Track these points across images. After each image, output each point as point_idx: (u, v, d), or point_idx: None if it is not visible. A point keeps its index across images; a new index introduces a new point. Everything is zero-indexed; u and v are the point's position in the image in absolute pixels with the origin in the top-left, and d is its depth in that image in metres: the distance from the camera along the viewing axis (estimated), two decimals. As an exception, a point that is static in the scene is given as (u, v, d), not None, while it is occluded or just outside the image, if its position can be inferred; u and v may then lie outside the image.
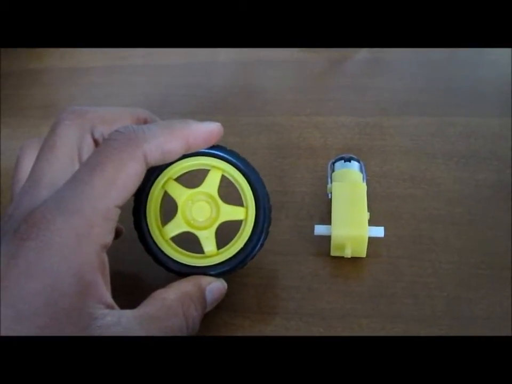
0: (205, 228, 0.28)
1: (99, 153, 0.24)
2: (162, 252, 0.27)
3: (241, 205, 0.28)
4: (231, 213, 0.28)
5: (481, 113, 0.39)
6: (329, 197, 0.33)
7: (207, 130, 0.27)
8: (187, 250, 0.28)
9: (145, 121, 0.29)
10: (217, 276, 0.28)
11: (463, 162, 0.36)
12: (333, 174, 0.34)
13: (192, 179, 0.29)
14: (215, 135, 0.27)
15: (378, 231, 0.30)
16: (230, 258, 0.27)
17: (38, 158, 0.25)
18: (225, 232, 0.28)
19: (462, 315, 0.28)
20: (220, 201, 0.28)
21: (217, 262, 0.27)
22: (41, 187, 0.24)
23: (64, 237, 0.22)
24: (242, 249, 0.27)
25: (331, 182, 0.33)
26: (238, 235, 0.28)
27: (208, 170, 0.28)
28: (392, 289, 0.30)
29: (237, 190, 0.28)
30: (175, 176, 0.28)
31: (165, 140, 0.25)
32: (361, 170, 0.34)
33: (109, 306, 0.23)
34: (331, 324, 0.29)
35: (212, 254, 0.28)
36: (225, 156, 0.28)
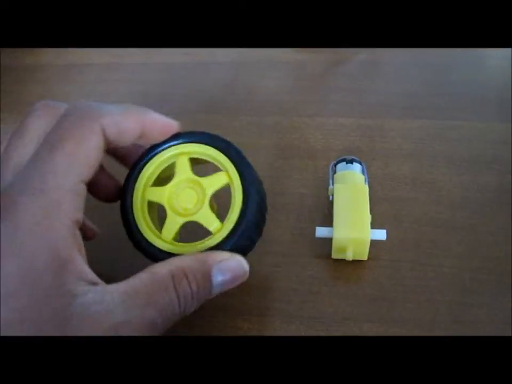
0: (199, 211, 0.27)
1: (58, 129, 0.24)
2: (171, 254, 0.26)
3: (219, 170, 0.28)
4: (214, 181, 0.27)
5: (483, 117, 0.39)
6: (331, 198, 0.32)
7: (164, 122, 0.27)
8: (194, 241, 0.27)
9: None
10: (235, 247, 0.26)
11: (465, 166, 0.36)
12: (335, 175, 0.33)
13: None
14: (170, 130, 0.27)
15: (381, 234, 0.30)
16: (238, 222, 0.26)
17: (7, 145, 0.25)
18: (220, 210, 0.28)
19: (464, 320, 0.28)
20: (198, 179, 0.27)
21: (227, 233, 0.26)
22: (7, 170, 0.24)
23: (33, 215, 0.22)
24: (243, 207, 0.26)
25: (333, 184, 0.33)
26: (232, 198, 0.27)
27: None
28: (394, 293, 0.29)
29: (211, 163, 0.28)
30: (151, 183, 0.28)
31: (121, 119, 0.25)
32: (363, 172, 0.33)
33: (91, 283, 0.22)
34: (331, 327, 0.28)
35: (218, 229, 0.26)
36: (185, 140, 0.27)
